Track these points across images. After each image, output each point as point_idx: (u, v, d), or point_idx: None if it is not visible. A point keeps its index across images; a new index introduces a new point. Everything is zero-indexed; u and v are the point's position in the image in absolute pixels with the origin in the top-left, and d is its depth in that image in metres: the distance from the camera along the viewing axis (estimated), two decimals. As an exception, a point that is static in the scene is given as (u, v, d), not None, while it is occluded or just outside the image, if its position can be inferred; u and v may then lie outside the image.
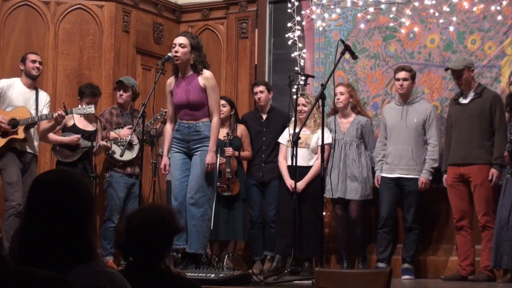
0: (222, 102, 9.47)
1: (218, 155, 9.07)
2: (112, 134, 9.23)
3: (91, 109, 9.00)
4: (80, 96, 9.30)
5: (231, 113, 9.47)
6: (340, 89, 9.04)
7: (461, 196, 8.28)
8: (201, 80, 7.96)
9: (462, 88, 8.43)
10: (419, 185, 8.60)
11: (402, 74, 8.88)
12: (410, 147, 8.71)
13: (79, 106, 9.05)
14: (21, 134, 8.58)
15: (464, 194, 8.27)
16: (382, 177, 8.84)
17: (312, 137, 8.97)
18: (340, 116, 9.06)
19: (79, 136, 9.02)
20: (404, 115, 8.81)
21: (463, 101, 8.41)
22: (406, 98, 8.90)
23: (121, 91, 9.48)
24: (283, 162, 9.14)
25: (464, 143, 8.24)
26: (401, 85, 8.84)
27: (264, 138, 9.44)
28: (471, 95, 8.35)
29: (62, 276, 2.07)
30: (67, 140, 9.00)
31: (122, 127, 9.33)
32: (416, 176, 8.68)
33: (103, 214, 9.16)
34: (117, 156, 9.25)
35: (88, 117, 9.30)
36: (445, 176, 8.45)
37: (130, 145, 9.20)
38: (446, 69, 8.64)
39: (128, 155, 9.26)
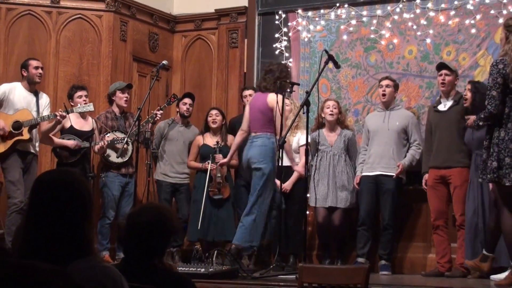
0: (216, 112, 9.50)
1: (209, 162, 9.12)
2: (108, 137, 9.20)
3: (90, 106, 8.99)
4: (71, 98, 9.23)
5: (223, 123, 9.49)
6: (333, 103, 9.05)
7: (440, 196, 8.29)
8: None
9: (443, 90, 8.43)
10: (397, 169, 8.64)
11: (385, 82, 8.94)
12: (391, 147, 8.73)
13: (79, 105, 9.03)
14: (26, 135, 8.57)
15: (443, 195, 8.29)
16: (362, 177, 8.85)
17: (293, 139, 8.99)
18: (327, 130, 9.07)
19: (79, 144, 8.98)
20: (386, 119, 8.83)
21: (443, 108, 8.42)
22: (388, 105, 8.92)
23: (126, 93, 9.46)
24: (268, 163, 9.15)
25: (445, 148, 8.25)
26: (384, 91, 8.87)
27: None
28: (449, 103, 8.36)
29: (62, 269, 2.06)
30: (70, 144, 8.97)
31: (116, 130, 9.30)
32: (394, 175, 8.71)
33: (99, 211, 9.13)
34: (112, 159, 9.24)
35: (82, 115, 9.26)
36: (424, 177, 8.46)
37: (125, 144, 9.18)
38: (439, 65, 8.57)
39: (123, 157, 9.25)
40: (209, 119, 9.46)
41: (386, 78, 9.05)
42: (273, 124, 8.05)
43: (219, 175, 9.14)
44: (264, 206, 8.07)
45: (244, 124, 8.41)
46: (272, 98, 8.10)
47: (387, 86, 8.91)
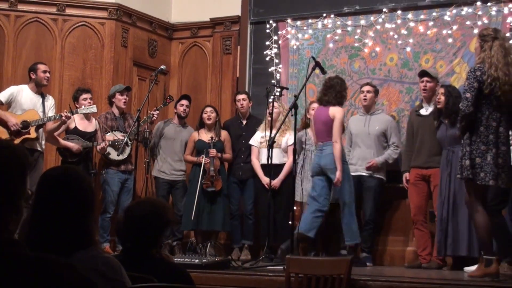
0: (210, 109, 9.52)
1: (204, 156, 9.12)
2: (107, 137, 9.21)
3: (93, 108, 9.01)
4: (76, 100, 9.23)
5: (216, 120, 9.49)
6: (317, 105, 9.05)
7: (420, 194, 8.33)
8: None
9: (425, 95, 8.47)
10: (370, 163, 8.71)
11: (366, 88, 8.98)
12: (372, 151, 8.77)
13: (83, 106, 9.04)
14: (33, 134, 8.56)
15: (423, 192, 8.32)
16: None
17: (282, 139, 9.02)
18: (311, 130, 9.07)
19: (80, 147, 8.96)
20: (367, 124, 8.86)
21: (424, 113, 8.45)
22: (368, 109, 8.95)
23: (125, 95, 9.47)
24: (256, 162, 9.21)
25: (427, 149, 8.29)
26: (365, 96, 8.90)
27: (243, 141, 9.46)
28: (430, 108, 8.39)
29: (68, 261, 2.07)
30: (71, 146, 8.96)
31: (116, 130, 9.31)
32: (377, 175, 8.74)
33: (100, 206, 9.12)
34: (112, 156, 9.24)
35: (86, 116, 9.26)
36: (405, 175, 8.47)
37: (125, 145, 9.18)
38: (421, 73, 8.61)
39: (122, 155, 9.26)
40: (204, 115, 9.46)
41: (367, 84, 9.09)
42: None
43: (212, 168, 9.14)
44: (352, 202, 8.36)
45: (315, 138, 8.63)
46: (333, 111, 8.23)
47: (368, 91, 8.95)
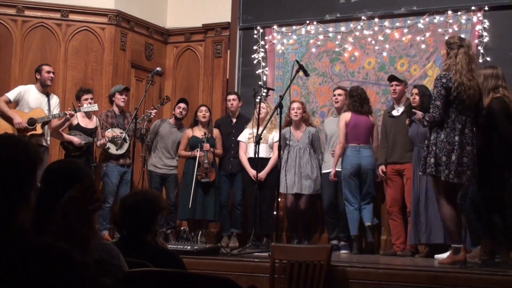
0: (205, 108, 9.52)
1: (198, 149, 9.12)
2: (107, 133, 9.20)
3: (94, 107, 9.02)
4: (78, 99, 9.21)
5: (209, 118, 9.50)
6: (297, 105, 9.08)
7: (396, 187, 8.34)
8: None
9: (395, 97, 8.50)
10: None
11: (337, 91, 9.02)
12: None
13: (85, 105, 9.03)
14: (39, 130, 8.56)
15: (398, 185, 8.34)
16: (323, 174, 8.90)
17: (269, 136, 9.04)
18: (294, 127, 9.09)
19: (81, 142, 8.95)
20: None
21: (396, 114, 8.47)
22: (340, 111, 8.95)
23: (124, 95, 9.46)
24: (244, 156, 9.22)
25: (400, 147, 8.30)
26: (336, 99, 8.94)
27: (233, 138, 9.45)
28: (401, 108, 8.41)
29: (71, 247, 2.07)
30: (74, 140, 8.95)
31: (115, 127, 9.30)
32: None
33: (100, 196, 9.08)
34: (111, 151, 9.22)
35: (88, 114, 9.25)
36: (380, 167, 8.46)
37: (123, 141, 9.19)
38: (390, 77, 8.64)
39: (121, 150, 9.25)
40: (199, 114, 9.45)
41: (338, 88, 9.13)
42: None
43: (206, 161, 9.14)
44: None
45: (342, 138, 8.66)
46: (372, 119, 8.78)
47: (339, 94, 8.97)
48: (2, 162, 1.99)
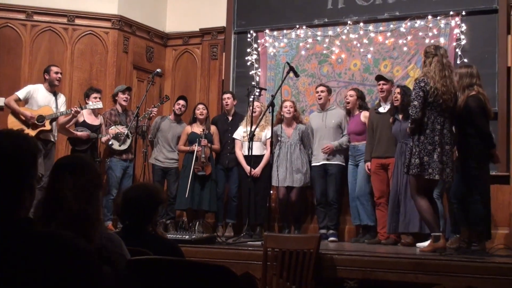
0: (202, 106, 9.52)
1: (196, 144, 9.12)
2: (111, 130, 9.19)
3: (99, 104, 9.01)
4: (87, 97, 9.19)
5: (207, 115, 9.50)
6: (289, 103, 9.09)
7: (382, 180, 8.33)
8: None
9: (382, 96, 8.49)
10: (325, 147, 8.73)
11: (320, 88, 9.02)
12: (330, 142, 8.78)
13: (90, 103, 9.02)
14: (48, 126, 8.55)
15: (384, 179, 8.33)
16: (313, 167, 8.90)
17: (262, 133, 9.03)
18: (285, 124, 9.09)
19: (88, 133, 8.95)
20: (324, 119, 8.90)
21: (382, 110, 8.46)
22: (323, 106, 8.97)
23: (126, 94, 9.45)
24: (239, 153, 9.23)
25: (385, 142, 8.29)
26: (319, 96, 8.95)
27: (229, 135, 9.45)
28: (387, 106, 8.41)
29: (77, 236, 2.07)
30: (80, 135, 8.94)
31: (118, 124, 9.29)
32: (336, 162, 8.76)
33: (104, 189, 9.08)
34: (114, 147, 9.21)
35: (94, 112, 9.24)
36: (366, 164, 8.44)
37: (126, 137, 9.18)
38: (378, 77, 8.64)
39: (124, 145, 9.24)
40: (197, 111, 9.45)
41: (320, 85, 9.13)
42: None
43: (203, 155, 9.13)
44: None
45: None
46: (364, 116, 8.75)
47: (321, 91, 8.97)
48: (5, 153, 1.99)
